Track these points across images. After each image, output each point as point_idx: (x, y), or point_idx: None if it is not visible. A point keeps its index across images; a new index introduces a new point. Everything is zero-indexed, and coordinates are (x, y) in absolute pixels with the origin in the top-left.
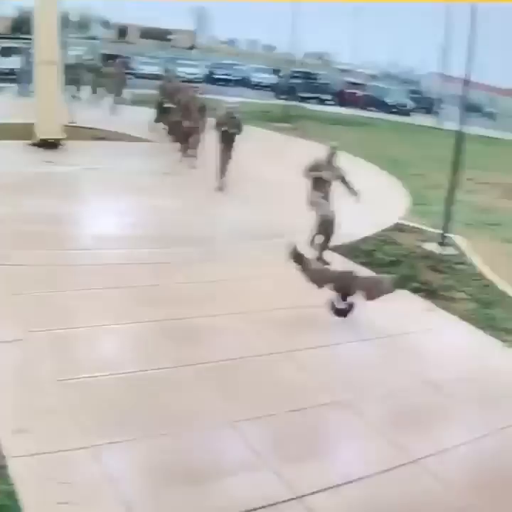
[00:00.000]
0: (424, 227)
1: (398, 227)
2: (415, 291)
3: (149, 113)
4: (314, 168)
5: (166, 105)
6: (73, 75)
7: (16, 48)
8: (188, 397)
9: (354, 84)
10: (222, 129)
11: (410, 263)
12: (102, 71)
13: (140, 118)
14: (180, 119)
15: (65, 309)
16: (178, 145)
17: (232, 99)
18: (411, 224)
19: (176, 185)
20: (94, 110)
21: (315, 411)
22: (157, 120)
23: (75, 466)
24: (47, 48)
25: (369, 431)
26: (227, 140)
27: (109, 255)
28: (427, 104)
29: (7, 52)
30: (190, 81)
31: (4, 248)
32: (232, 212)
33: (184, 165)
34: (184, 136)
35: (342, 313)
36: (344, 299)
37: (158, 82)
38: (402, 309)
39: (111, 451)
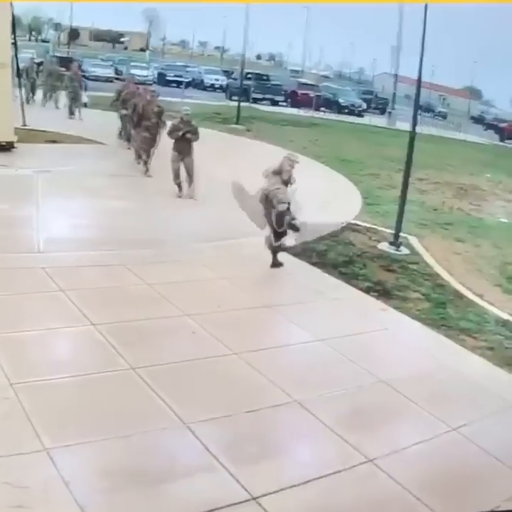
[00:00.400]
0: (377, 227)
1: (351, 227)
2: (369, 291)
3: (102, 115)
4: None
5: (123, 113)
6: (26, 77)
7: None
8: (142, 399)
9: (306, 85)
10: (179, 134)
11: (363, 263)
12: (58, 74)
13: (94, 120)
14: (135, 125)
15: (17, 312)
16: (132, 149)
17: (185, 104)
18: (364, 224)
19: (129, 187)
20: (46, 113)
21: (270, 412)
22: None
23: (28, 470)
24: None
25: (324, 431)
26: (184, 146)
27: (62, 257)
28: (379, 105)
29: None
30: (141, 83)
31: None
32: (186, 214)
33: (138, 169)
34: (141, 144)
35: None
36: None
37: (115, 86)
38: (356, 309)
39: (65, 454)
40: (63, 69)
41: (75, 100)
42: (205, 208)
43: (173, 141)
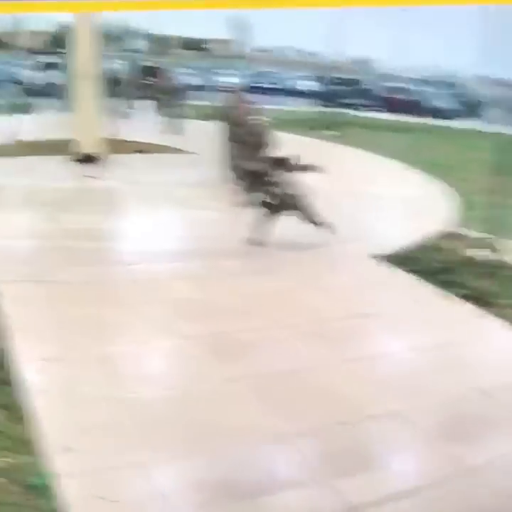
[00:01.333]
0: (472, 233)
1: (446, 234)
2: (465, 298)
3: (193, 124)
4: None
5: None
6: (114, 87)
7: (55, 63)
8: (235, 412)
9: (398, 89)
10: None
11: (460, 270)
12: (149, 84)
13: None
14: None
15: (109, 326)
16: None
17: (278, 111)
18: (459, 230)
19: (220, 197)
20: (136, 123)
21: (367, 422)
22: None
23: (123, 484)
24: (85, 61)
25: (421, 442)
26: None
27: (152, 270)
28: (472, 108)
29: (47, 67)
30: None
31: (47, 265)
32: (279, 223)
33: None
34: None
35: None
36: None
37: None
38: (453, 317)
39: (159, 468)
40: (152, 78)
41: (167, 110)
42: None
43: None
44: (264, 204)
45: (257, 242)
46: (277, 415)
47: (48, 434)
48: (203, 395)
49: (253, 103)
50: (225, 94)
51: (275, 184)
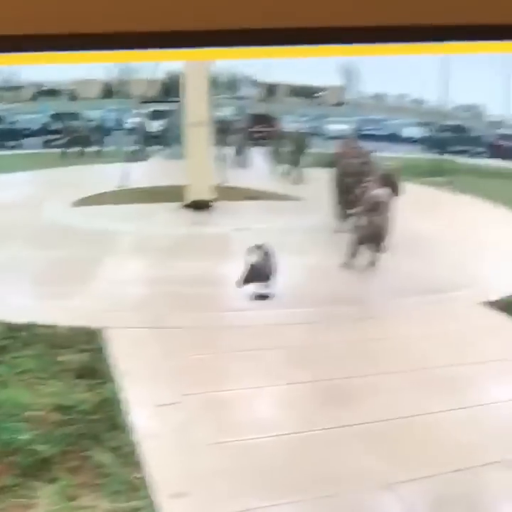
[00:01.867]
0: None
1: None
2: None
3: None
4: None
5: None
6: (225, 135)
7: (166, 110)
8: (345, 459)
9: (507, 136)
10: None
11: None
12: (260, 131)
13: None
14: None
15: (220, 371)
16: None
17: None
18: None
19: (329, 243)
20: (247, 170)
21: (481, 470)
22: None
23: None
24: (197, 109)
25: None
26: None
27: (264, 316)
28: None
29: (158, 115)
30: (338, 137)
31: (160, 310)
32: (391, 268)
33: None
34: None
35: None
36: None
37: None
38: None
39: None
40: (261, 126)
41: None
42: (410, 261)
43: None
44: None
45: (349, 267)
46: (386, 462)
47: (160, 479)
48: (313, 442)
49: (366, 151)
50: (335, 141)
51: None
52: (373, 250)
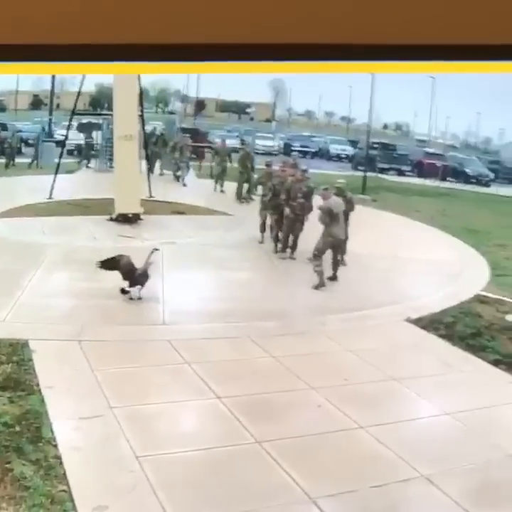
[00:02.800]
0: (505, 299)
1: (479, 299)
2: (497, 363)
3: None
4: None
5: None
6: (153, 149)
7: (94, 123)
8: (267, 474)
9: (433, 154)
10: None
11: (492, 335)
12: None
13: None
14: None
15: (144, 385)
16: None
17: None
18: (492, 295)
19: (254, 258)
20: (173, 184)
21: (397, 487)
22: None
23: None
24: (126, 123)
25: (452, 507)
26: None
27: (187, 330)
28: (507, 174)
29: (86, 127)
30: (267, 153)
31: (83, 323)
32: (312, 287)
33: (265, 238)
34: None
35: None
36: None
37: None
38: (484, 382)
39: None
40: (190, 141)
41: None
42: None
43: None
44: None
45: (319, 286)
46: (306, 477)
47: (82, 492)
48: (234, 456)
49: (298, 168)
50: (265, 158)
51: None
52: (333, 261)
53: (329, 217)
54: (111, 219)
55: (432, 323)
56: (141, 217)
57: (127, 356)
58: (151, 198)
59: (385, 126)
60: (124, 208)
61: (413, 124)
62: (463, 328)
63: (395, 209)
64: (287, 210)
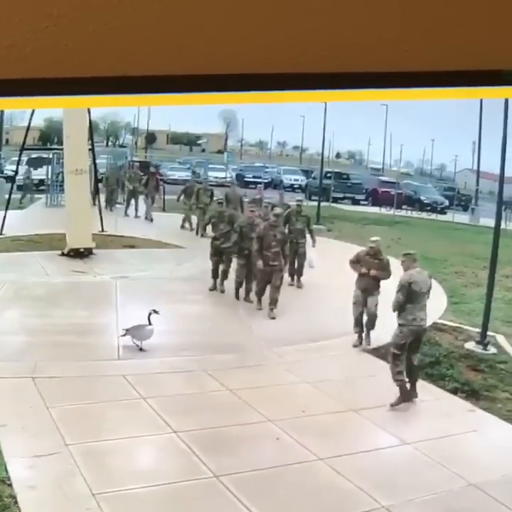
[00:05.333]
0: (463, 326)
1: (437, 327)
2: (456, 391)
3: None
4: (356, 260)
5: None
6: (105, 183)
7: (44, 158)
8: (226, 508)
9: (387, 182)
10: (363, 270)
11: (450, 363)
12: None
13: (171, 224)
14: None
15: (100, 421)
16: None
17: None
18: (449, 323)
19: (207, 291)
20: (124, 218)
21: None
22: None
23: None
24: (76, 157)
25: None
26: (369, 284)
27: (142, 364)
28: (462, 202)
29: (36, 162)
30: (220, 185)
31: (36, 360)
32: (267, 319)
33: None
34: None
35: None
36: None
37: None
38: (443, 411)
39: None
40: (142, 173)
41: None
42: (288, 311)
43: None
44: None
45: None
46: (268, 511)
47: None
48: (191, 492)
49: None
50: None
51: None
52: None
53: (409, 296)
54: (62, 254)
55: (389, 353)
56: (93, 251)
57: (82, 392)
58: (103, 232)
59: (338, 155)
60: (75, 242)
61: (367, 153)
62: (421, 357)
63: (350, 238)
64: (259, 263)
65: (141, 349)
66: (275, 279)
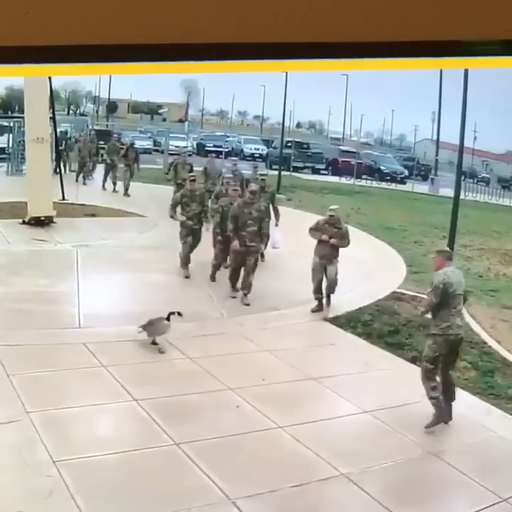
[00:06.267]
0: (422, 295)
1: (396, 296)
2: (415, 360)
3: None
4: (316, 228)
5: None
6: (66, 151)
7: (5, 126)
8: (186, 475)
9: (347, 152)
10: (323, 237)
11: (409, 332)
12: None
13: (133, 192)
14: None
15: (60, 389)
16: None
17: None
18: (409, 292)
19: (170, 260)
20: (86, 187)
21: (316, 486)
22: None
23: None
24: (38, 125)
25: (372, 505)
26: (328, 251)
27: (103, 332)
28: (421, 172)
29: None
30: (180, 153)
31: None
32: (227, 287)
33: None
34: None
35: None
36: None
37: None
38: (402, 379)
39: None
40: (102, 142)
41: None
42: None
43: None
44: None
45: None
46: (226, 478)
47: None
48: (151, 459)
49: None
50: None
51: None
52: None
53: (443, 299)
54: (23, 222)
55: (349, 322)
56: (55, 220)
57: (43, 360)
58: (64, 201)
59: (299, 125)
60: (36, 211)
61: (327, 123)
62: (380, 326)
63: (310, 207)
64: (235, 243)
65: (154, 342)
66: (250, 261)
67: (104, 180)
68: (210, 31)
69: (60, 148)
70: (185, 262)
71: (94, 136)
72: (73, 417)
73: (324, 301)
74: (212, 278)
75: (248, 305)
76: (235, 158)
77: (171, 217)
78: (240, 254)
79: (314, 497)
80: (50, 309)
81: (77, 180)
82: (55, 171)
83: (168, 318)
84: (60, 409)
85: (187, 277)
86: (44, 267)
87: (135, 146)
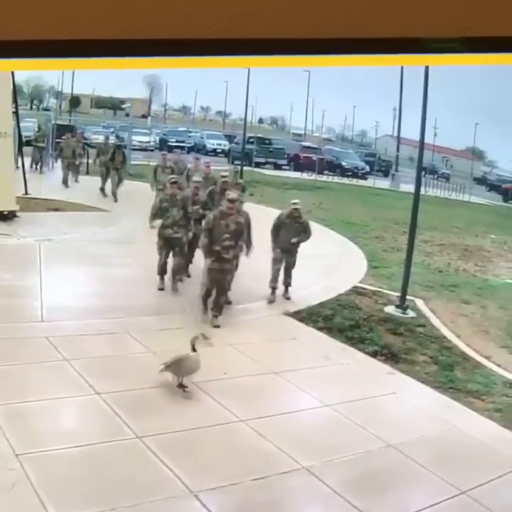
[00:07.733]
0: (383, 290)
1: (357, 291)
2: (375, 354)
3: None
4: (277, 223)
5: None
6: (29, 145)
7: None
8: (148, 468)
9: (309, 148)
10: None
11: (370, 327)
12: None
13: (96, 188)
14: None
15: (22, 382)
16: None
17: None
18: (370, 287)
19: (132, 254)
20: (49, 181)
21: (277, 479)
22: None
23: None
24: (0, 120)
25: (332, 497)
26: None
27: (65, 326)
28: (382, 167)
29: None
30: (144, 149)
31: None
32: (191, 281)
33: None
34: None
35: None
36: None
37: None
38: (363, 373)
39: None
40: (64, 137)
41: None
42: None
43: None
44: None
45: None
46: (188, 471)
47: None
48: (114, 452)
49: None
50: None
51: None
52: None
53: None
54: None
55: (310, 316)
56: (17, 214)
57: (5, 354)
58: (27, 196)
59: (261, 121)
60: None
61: (289, 118)
62: (341, 321)
63: (271, 203)
64: (207, 261)
65: (181, 385)
66: (224, 280)
67: (65, 178)
68: (175, 27)
69: (40, 144)
70: (161, 271)
71: (81, 134)
72: (36, 411)
73: (283, 293)
74: (204, 306)
75: (218, 327)
76: (196, 153)
77: (152, 227)
78: (214, 272)
79: (276, 490)
80: (13, 303)
81: (63, 183)
82: (17, 166)
83: (193, 349)
84: (23, 403)
85: (161, 289)
86: (6, 261)
87: (122, 147)
